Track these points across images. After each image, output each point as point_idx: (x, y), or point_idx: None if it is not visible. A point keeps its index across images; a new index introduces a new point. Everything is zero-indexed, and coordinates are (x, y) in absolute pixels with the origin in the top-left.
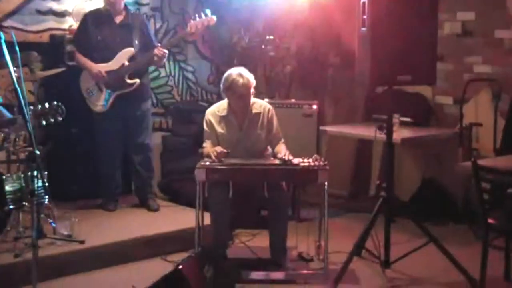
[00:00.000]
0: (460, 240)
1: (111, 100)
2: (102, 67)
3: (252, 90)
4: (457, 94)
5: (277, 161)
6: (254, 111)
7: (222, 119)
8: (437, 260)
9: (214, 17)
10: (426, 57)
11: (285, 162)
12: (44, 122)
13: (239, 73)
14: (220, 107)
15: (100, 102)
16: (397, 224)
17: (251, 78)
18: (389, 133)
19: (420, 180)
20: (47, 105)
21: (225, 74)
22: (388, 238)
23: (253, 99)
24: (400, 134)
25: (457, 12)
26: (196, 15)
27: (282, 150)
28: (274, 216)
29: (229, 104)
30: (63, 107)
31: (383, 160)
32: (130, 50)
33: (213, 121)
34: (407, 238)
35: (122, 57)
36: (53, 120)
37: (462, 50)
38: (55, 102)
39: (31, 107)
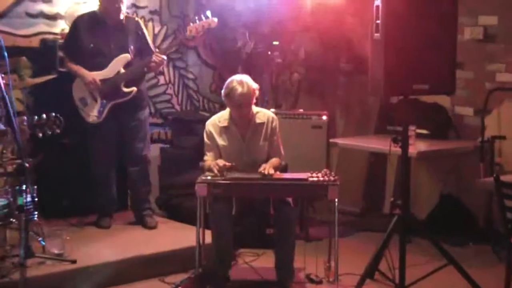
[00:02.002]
0: (482, 262)
1: (106, 110)
2: (96, 75)
3: (254, 100)
4: (478, 105)
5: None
6: (257, 121)
7: (224, 130)
8: (456, 284)
9: (215, 19)
10: (444, 64)
11: (264, 176)
12: (40, 134)
13: (240, 81)
14: (221, 117)
15: (94, 112)
16: (413, 244)
17: (252, 87)
18: (405, 146)
19: (437, 197)
20: (44, 116)
21: (228, 80)
22: (403, 260)
23: (257, 108)
24: (416, 147)
25: (479, 16)
26: (196, 18)
27: (266, 164)
28: (280, 235)
29: (230, 114)
30: (61, 118)
31: (398, 175)
32: (126, 57)
33: (213, 132)
34: (424, 260)
35: (118, 64)
36: (50, 133)
37: (483, 57)
38: (53, 114)
39: (25, 118)
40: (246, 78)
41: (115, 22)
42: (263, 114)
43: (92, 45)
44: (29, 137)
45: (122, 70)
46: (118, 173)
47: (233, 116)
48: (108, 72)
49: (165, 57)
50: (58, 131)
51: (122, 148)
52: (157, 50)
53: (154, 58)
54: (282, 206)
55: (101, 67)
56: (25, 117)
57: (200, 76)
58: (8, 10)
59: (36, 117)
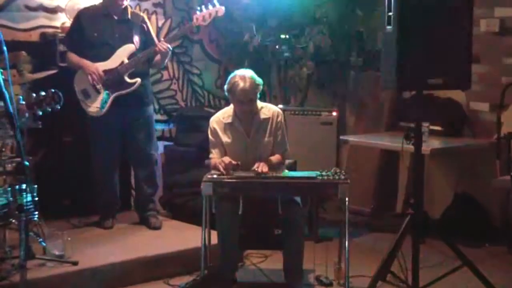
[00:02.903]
0: (498, 263)
1: (109, 102)
2: (100, 66)
3: (258, 95)
4: (494, 100)
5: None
6: (262, 116)
7: (228, 126)
8: (471, 286)
9: (223, 8)
10: (459, 58)
11: (258, 174)
12: (40, 112)
13: (243, 76)
14: (225, 113)
15: (96, 104)
16: (427, 245)
17: (256, 83)
18: (418, 143)
19: (452, 195)
20: (42, 92)
21: (231, 74)
22: (416, 261)
23: (262, 104)
24: (430, 144)
25: (495, 8)
26: (203, 6)
27: (260, 161)
28: (289, 235)
29: (234, 110)
30: (60, 93)
31: (411, 174)
32: (130, 47)
33: (218, 129)
34: (438, 261)
35: (122, 54)
36: (50, 109)
37: (500, 50)
38: (52, 89)
39: (20, 97)
40: (249, 73)
41: (120, 15)
42: (268, 110)
43: (96, 34)
44: (29, 113)
45: (126, 61)
46: (121, 172)
47: (236, 112)
48: (111, 62)
49: (170, 47)
50: (58, 107)
51: (127, 147)
52: (162, 39)
53: (158, 46)
54: (289, 205)
55: (104, 57)
56: (20, 96)
57: (205, 71)
58: (7, 3)
59: (34, 94)
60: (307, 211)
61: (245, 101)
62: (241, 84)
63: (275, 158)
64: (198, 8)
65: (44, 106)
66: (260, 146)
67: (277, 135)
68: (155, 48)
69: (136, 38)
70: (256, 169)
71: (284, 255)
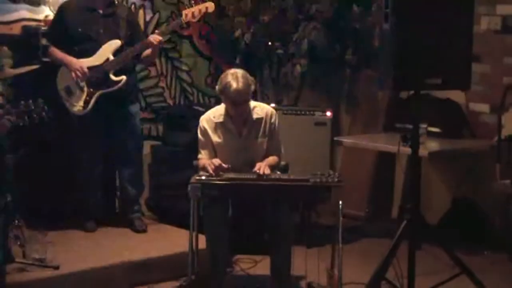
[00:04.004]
0: (498, 271)
1: (92, 101)
2: (84, 62)
3: (252, 95)
4: (495, 101)
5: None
6: (255, 116)
7: (219, 126)
8: None
9: (212, 3)
10: (459, 57)
11: (259, 176)
12: (28, 121)
13: (236, 76)
14: (216, 112)
15: (80, 103)
16: (423, 251)
17: (248, 83)
18: (415, 146)
19: (450, 200)
20: (30, 102)
21: (222, 75)
22: (412, 268)
23: (254, 103)
24: (427, 146)
25: (497, 5)
26: (192, 1)
27: (261, 162)
28: (275, 239)
29: (226, 109)
30: (46, 107)
31: (408, 177)
32: (116, 42)
33: (208, 128)
34: (435, 269)
35: (107, 50)
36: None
37: (501, 49)
38: (39, 99)
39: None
40: (241, 73)
41: (105, 9)
42: (261, 109)
43: (80, 29)
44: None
45: (112, 57)
46: (106, 172)
47: (229, 112)
48: (96, 59)
49: (162, 39)
50: (45, 116)
51: (111, 145)
52: (156, 31)
53: (151, 39)
54: (276, 209)
55: (89, 53)
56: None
57: (195, 68)
58: None
59: (22, 103)
60: (298, 215)
61: (239, 103)
62: (234, 85)
63: (273, 159)
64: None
65: (33, 115)
66: (252, 147)
67: (272, 137)
68: (148, 41)
69: (122, 33)
70: (258, 171)
71: (270, 260)
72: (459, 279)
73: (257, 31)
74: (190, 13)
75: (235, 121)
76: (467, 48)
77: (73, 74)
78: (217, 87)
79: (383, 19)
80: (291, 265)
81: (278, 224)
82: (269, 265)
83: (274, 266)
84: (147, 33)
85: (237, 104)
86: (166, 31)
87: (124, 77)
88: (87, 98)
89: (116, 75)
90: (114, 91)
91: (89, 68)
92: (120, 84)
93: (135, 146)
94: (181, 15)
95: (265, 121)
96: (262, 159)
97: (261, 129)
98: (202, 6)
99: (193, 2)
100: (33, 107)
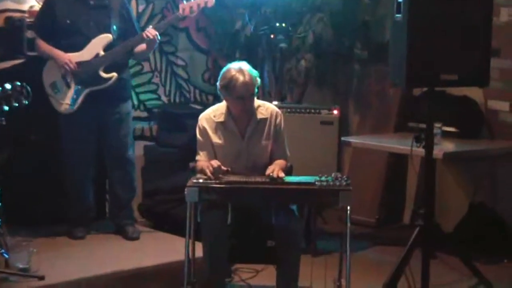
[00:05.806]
0: None
1: (80, 99)
2: (72, 57)
3: (256, 90)
4: None
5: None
6: (259, 116)
7: (219, 126)
8: None
9: None
10: (477, 51)
11: (273, 180)
12: (6, 107)
13: (240, 69)
14: (216, 111)
15: (67, 100)
16: (438, 260)
17: (254, 76)
18: (429, 146)
19: (467, 205)
20: (8, 86)
21: (223, 69)
22: (426, 278)
23: (258, 102)
24: (442, 147)
25: None
26: None
27: (273, 165)
28: (283, 247)
29: (228, 107)
30: (28, 88)
31: (421, 180)
32: (107, 37)
33: (208, 128)
34: (451, 279)
35: (97, 45)
36: (17, 104)
37: None
38: (18, 83)
39: None
40: (245, 66)
41: (96, 0)
42: (266, 109)
43: (68, 21)
44: None
45: (102, 53)
46: (96, 176)
47: (232, 111)
48: (85, 54)
49: (159, 35)
50: (26, 102)
51: (102, 146)
52: (151, 26)
53: (147, 33)
54: (284, 215)
55: (78, 47)
56: None
57: (192, 63)
58: None
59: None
60: (304, 221)
61: (246, 97)
62: (241, 78)
63: (281, 162)
64: None
65: (12, 101)
66: (255, 149)
67: (277, 140)
68: (143, 35)
69: (114, 27)
70: (272, 174)
71: (277, 269)
72: None
73: (258, 23)
74: (187, 7)
75: (237, 121)
76: (486, 41)
77: (61, 70)
78: (218, 83)
79: (394, 10)
80: (298, 275)
81: (285, 230)
82: (274, 274)
83: (281, 276)
84: (140, 26)
85: (245, 99)
86: (163, 27)
87: (115, 74)
88: (74, 96)
89: (106, 71)
90: (104, 88)
91: (78, 63)
92: (110, 82)
93: (127, 146)
94: (176, 10)
95: (270, 122)
96: (265, 163)
97: (265, 131)
98: (201, 1)
99: None
100: (11, 92)
